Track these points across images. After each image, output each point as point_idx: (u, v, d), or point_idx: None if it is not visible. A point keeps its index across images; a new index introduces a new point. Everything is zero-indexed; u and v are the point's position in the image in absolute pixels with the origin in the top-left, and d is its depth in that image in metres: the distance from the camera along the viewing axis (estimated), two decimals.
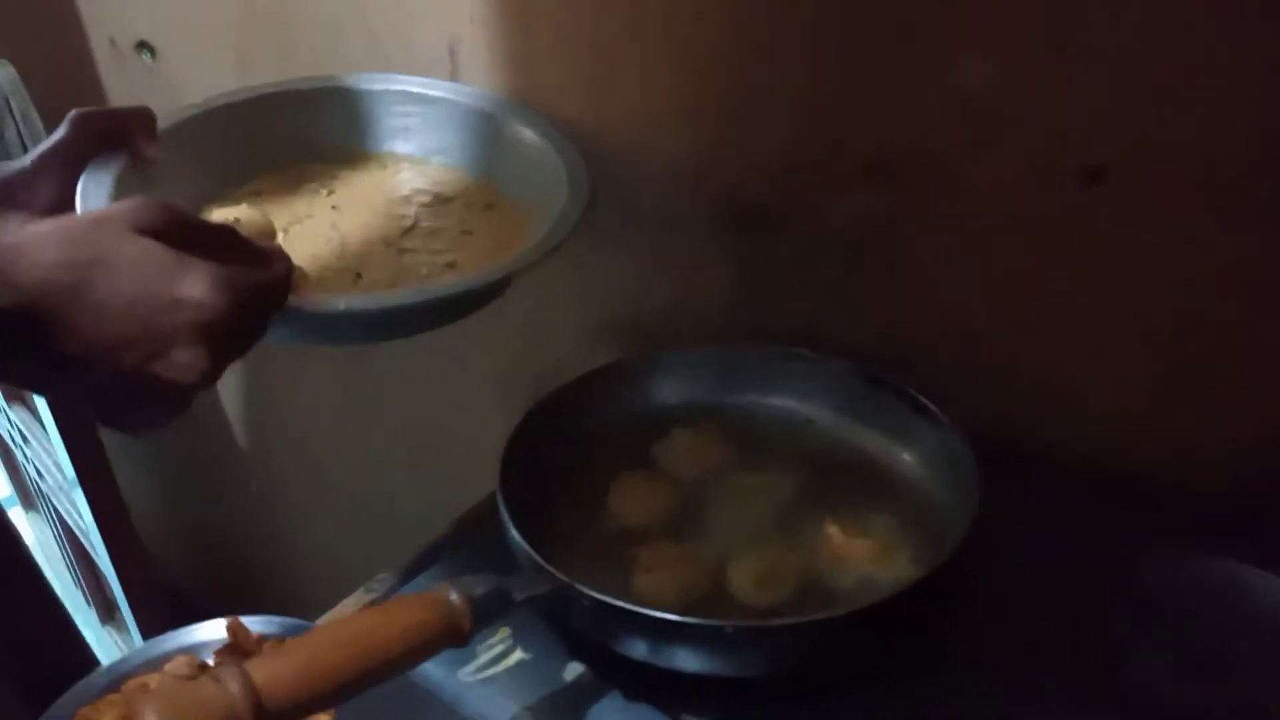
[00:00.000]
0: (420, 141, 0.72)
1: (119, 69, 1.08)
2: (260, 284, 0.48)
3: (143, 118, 0.61)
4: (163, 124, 0.64)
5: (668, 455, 0.61)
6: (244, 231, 0.53)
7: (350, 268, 0.63)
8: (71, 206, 0.56)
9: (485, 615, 0.45)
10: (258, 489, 1.35)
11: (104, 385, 0.44)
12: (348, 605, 0.63)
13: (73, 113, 0.59)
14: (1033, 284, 0.58)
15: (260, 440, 1.29)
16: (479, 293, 0.58)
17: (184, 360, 0.43)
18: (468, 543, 0.65)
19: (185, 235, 0.46)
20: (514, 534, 0.51)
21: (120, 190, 0.58)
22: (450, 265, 0.63)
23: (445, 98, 0.71)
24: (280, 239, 0.65)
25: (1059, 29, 0.52)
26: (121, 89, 1.10)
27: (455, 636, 0.44)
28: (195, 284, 0.43)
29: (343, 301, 0.55)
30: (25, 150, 1.04)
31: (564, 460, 0.60)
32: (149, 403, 0.45)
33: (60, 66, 1.12)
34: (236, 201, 0.66)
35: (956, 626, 0.50)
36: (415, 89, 0.71)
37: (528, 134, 0.68)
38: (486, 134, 0.70)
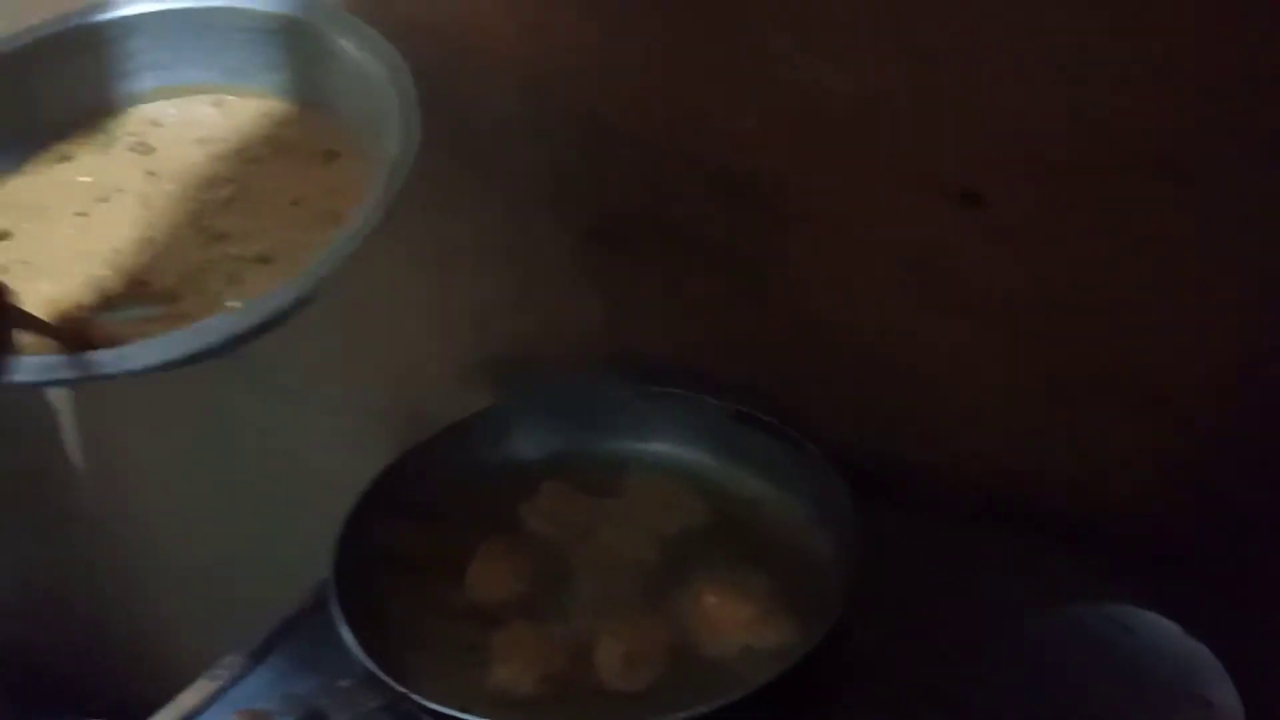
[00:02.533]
0: (250, 69, 0.62)
1: None
2: None
3: None
4: None
5: (534, 517, 0.56)
6: None
7: (138, 274, 0.55)
8: None
9: None
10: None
11: None
12: (188, 697, 0.57)
13: None
14: (905, 303, 0.55)
15: (97, 496, 1.21)
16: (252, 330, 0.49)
17: None
18: (317, 622, 0.59)
19: None
20: (348, 636, 0.45)
21: None
22: (263, 259, 0.55)
23: (264, 10, 0.62)
24: (85, 224, 0.58)
25: (915, 40, 0.49)
26: None
27: None
28: None
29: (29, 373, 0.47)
30: None
31: (417, 532, 0.55)
32: None
33: None
34: (42, 171, 0.59)
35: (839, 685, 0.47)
36: (241, 4, 0.62)
37: (361, 54, 0.58)
38: (320, 56, 0.60)
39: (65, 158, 0.62)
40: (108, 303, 0.53)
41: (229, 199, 0.58)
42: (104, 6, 0.63)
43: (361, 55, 0.57)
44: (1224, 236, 0.46)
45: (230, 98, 0.63)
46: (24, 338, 0.47)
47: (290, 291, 0.48)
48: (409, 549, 0.54)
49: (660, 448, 0.59)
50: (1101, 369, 0.52)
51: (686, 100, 0.58)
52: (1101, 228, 0.49)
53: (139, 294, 0.54)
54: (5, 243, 0.57)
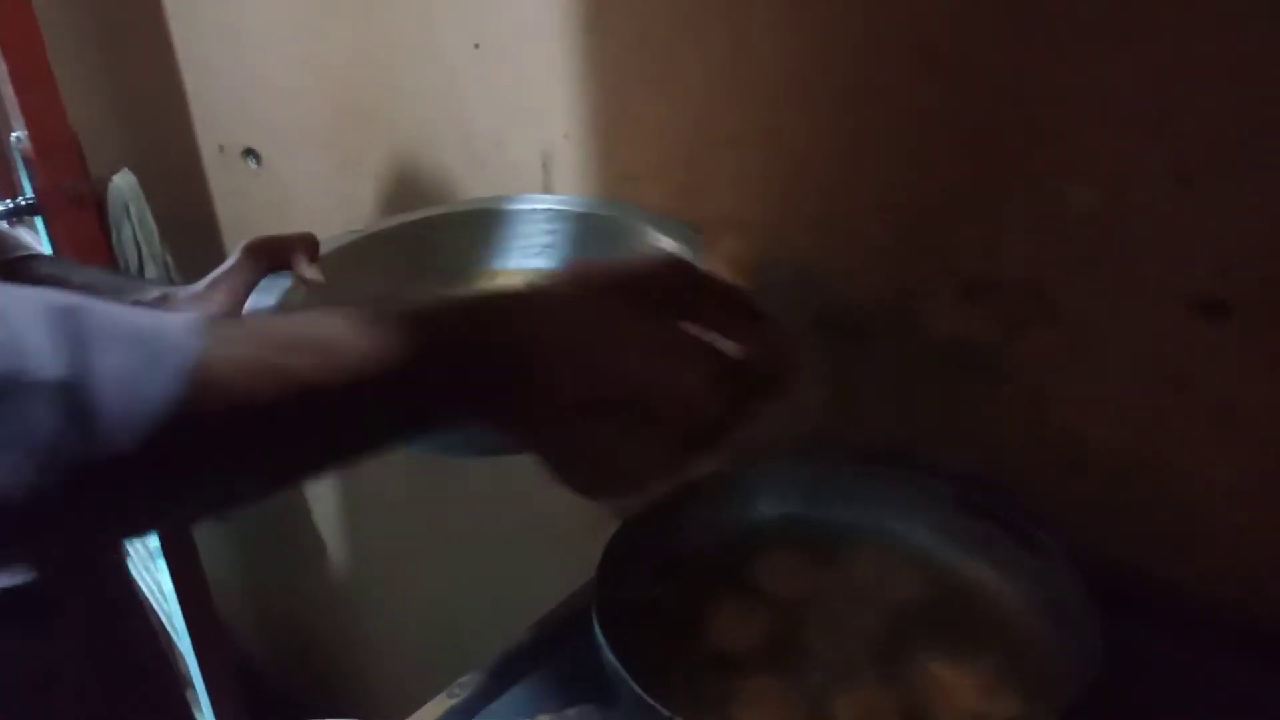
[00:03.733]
0: (563, 255, 0.72)
1: (226, 173, 1.14)
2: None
3: (305, 242, 0.65)
4: (325, 248, 0.67)
5: (768, 577, 0.60)
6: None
7: None
8: None
9: None
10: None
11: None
12: (430, 709, 0.62)
13: (245, 241, 0.64)
14: (1150, 414, 0.56)
15: (344, 527, 1.31)
16: None
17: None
18: (551, 653, 0.64)
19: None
20: (614, 663, 0.50)
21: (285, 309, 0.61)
22: None
23: (588, 212, 0.71)
24: None
25: (1161, 161, 0.51)
26: (229, 192, 1.15)
27: None
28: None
29: None
30: (139, 250, 1.10)
31: (656, 579, 0.60)
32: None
33: (173, 172, 1.18)
34: None
35: None
36: (558, 206, 0.72)
37: (671, 244, 0.64)
38: (624, 244, 0.68)
39: None
40: None
41: None
42: (488, 201, 0.74)
43: (671, 244, 0.64)
44: None
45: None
46: None
47: None
48: (654, 589, 0.59)
49: (887, 523, 0.62)
50: None
51: (926, 200, 0.62)
52: None
53: None
54: None
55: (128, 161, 1.16)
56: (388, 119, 0.94)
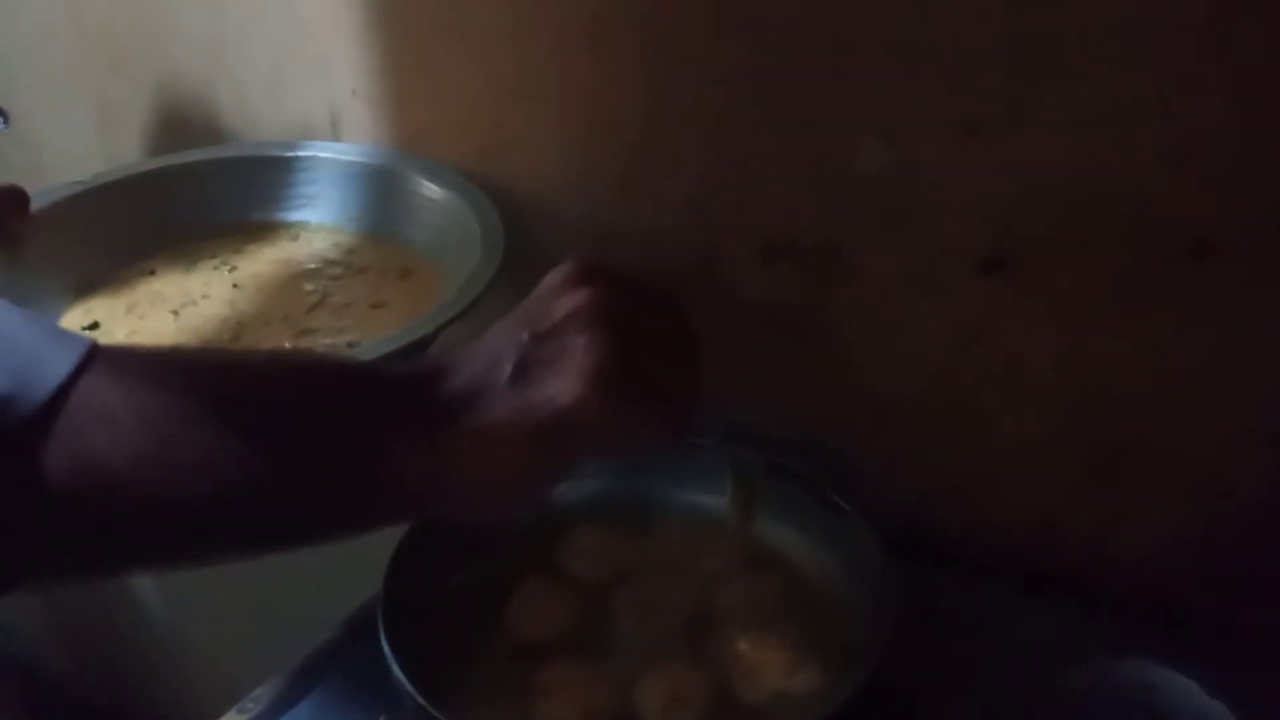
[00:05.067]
0: (329, 207, 0.69)
1: None
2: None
3: (11, 196, 0.59)
4: (41, 201, 0.62)
5: (572, 558, 0.57)
6: None
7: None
8: None
9: None
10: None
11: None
12: None
13: None
14: (943, 370, 0.57)
15: None
16: None
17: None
18: (353, 653, 0.60)
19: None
20: (398, 674, 0.47)
21: None
22: (352, 345, 0.59)
23: (350, 160, 0.69)
24: (172, 321, 0.61)
25: (952, 118, 0.51)
26: None
27: None
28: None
29: None
30: None
31: (456, 567, 0.56)
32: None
33: None
34: (128, 282, 0.63)
35: None
36: (321, 154, 0.69)
37: (438, 190, 0.65)
38: (396, 194, 0.67)
39: (152, 272, 0.67)
40: None
41: (314, 304, 0.63)
42: (236, 148, 0.71)
43: (441, 192, 0.64)
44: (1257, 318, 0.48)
45: (306, 231, 0.69)
46: None
47: (403, 337, 0.53)
48: (450, 585, 0.55)
49: (696, 496, 0.60)
50: (1141, 440, 0.53)
51: (729, 162, 0.61)
52: (1132, 308, 0.51)
53: None
54: (98, 333, 0.61)
55: None
56: (153, 68, 0.85)
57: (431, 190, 0.65)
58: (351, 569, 0.59)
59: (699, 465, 0.61)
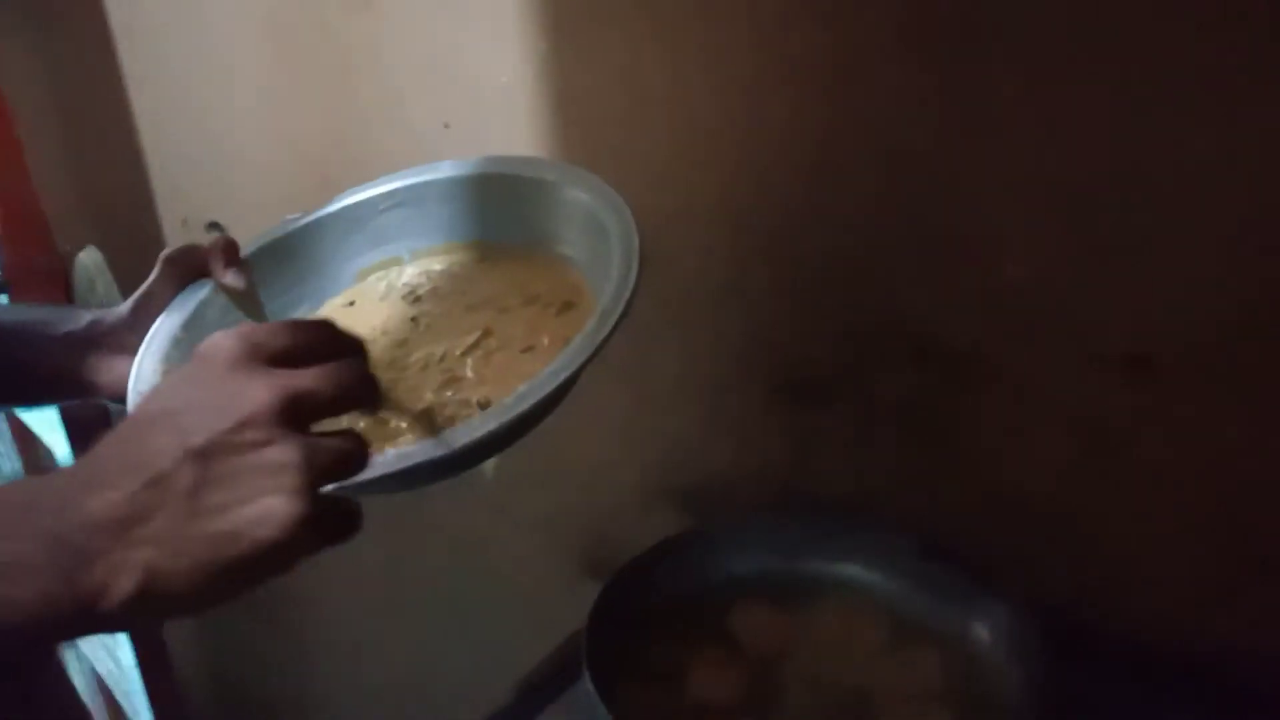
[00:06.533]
0: (519, 230, 0.69)
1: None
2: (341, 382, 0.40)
3: (222, 245, 0.63)
4: (255, 244, 0.65)
5: (744, 631, 0.63)
6: None
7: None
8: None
9: None
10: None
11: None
12: None
13: (161, 254, 0.63)
14: (1079, 469, 0.60)
15: (304, 587, 1.31)
16: (500, 437, 0.52)
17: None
18: (536, 712, 0.66)
19: (260, 352, 0.39)
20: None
21: (191, 327, 0.60)
22: (483, 405, 0.59)
23: (543, 178, 0.67)
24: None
25: (1088, 233, 0.56)
26: None
27: None
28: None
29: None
30: None
31: (639, 634, 0.62)
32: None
33: (137, 247, 1.19)
34: (328, 312, 0.66)
35: None
36: (522, 172, 0.68)
37: (607, 220, 0.61)
38: (581, 225, 0.65)
39: (351, 303, 0.70)
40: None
41: (471, 345, 0.65)
42: (426, 172, 0.71)
43: (595, 207, 0.62)
44: None
45: (492, 253, 0.70)
46: None
47: (496, 419, 0.51)
48: (638, 643, 0.61)
49: (855, 573, 0.66)
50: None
51: (878, 271, 0.66)
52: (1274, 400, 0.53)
53: (381, 430, 0.58)
54: None
55: (93, 238, 1.16)
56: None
57: (588, 206, 0.63)
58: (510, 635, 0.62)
59: (855, 544, 0.66)
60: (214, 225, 1.11)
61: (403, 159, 0.91)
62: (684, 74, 0.71)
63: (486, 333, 0.65)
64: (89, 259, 1.12)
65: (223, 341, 0.39)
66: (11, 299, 1.08)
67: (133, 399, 0.57)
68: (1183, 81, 0.51)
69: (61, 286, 1.10)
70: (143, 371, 0.59)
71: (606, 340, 0.54)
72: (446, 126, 0.86)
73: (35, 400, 0.60)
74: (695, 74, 0.71)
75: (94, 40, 1.15)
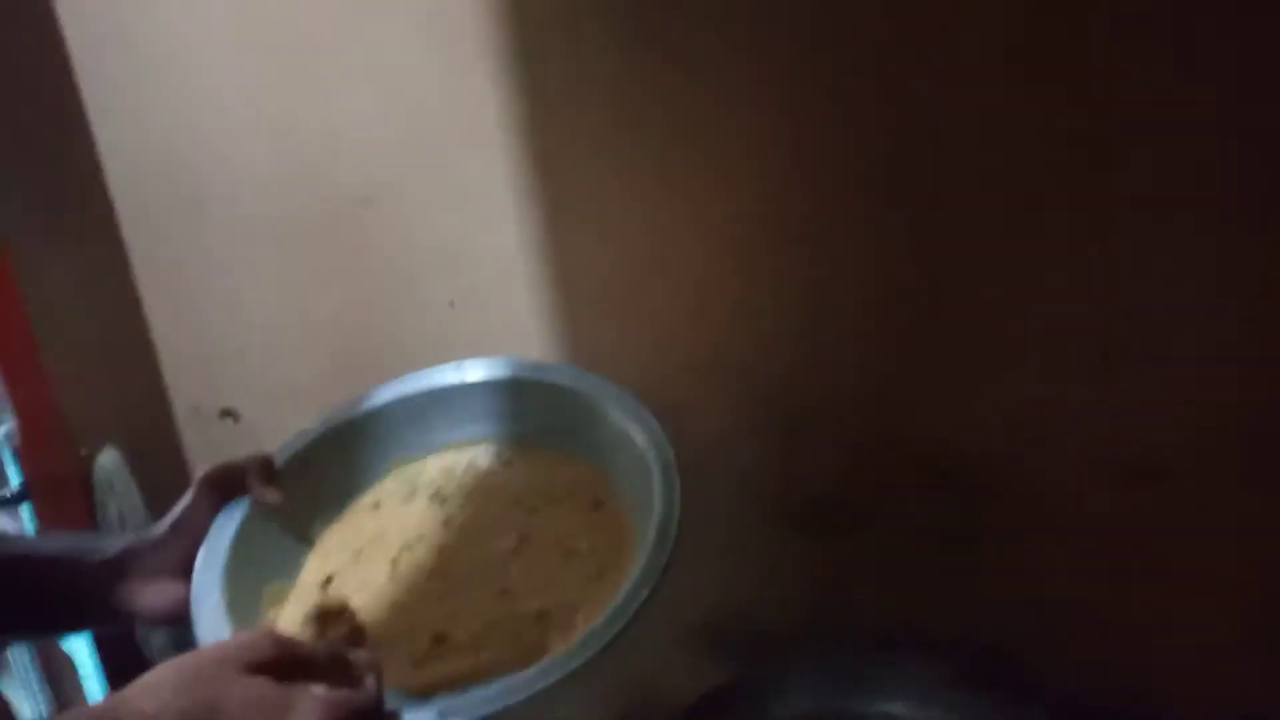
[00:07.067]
0: (529, 425, 0.72)
1: (204, 435, 1.17)
2: (357, 706, 0.50)
3: (260, 464, 0.66)
4: (282, 456, 0.68)
5: None
6: (321, 608, 0.58)
7: (437, 626, 0.62)
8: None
9: None
10: None
11: None
12: None
13: (198, 475, 0.65)
14: (1114, 579, 0.61)
15: None
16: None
17: None
18: None
19: (293, 665, 0.49)
20: None
21: (241, 546, 0.63)
22: (541, 615, 0.62)
23: (551, 382, 0.72)
24: (387, 573, 0.66)
25: (1097, 348, 0.58)
26: (207, 453, 1.17)
27: None
28: (304, 715, 0.47)
29: None
30: (123, 528, 1.11)
31: None
32: None
33: (152, 440, 1.21)
34: (355, 518, 0.68)
35: None
36: (525, 375, 0.73)
37: (631, 426, 0.66)
38: (592, 420, 0.69)
39: (377, 505, 0.72)
40: (414, 659, 0.60)
41: (512, 550, 0.66)
42: (441, 375, 0.75)
43: (625, 421, 0.67)
44: None
45: (508, 449, 0.73)
46: None
47: (584, 651, 0.55)
48: None
49: (898, 708, 0.65)
50: None
51: (886, 396, 0.67)
52: None
53: (441, 649, 0.61)
54: (330, 586, 0.66)
55: (109, 434, 1.18)
56: (370, 369, 0.98)
57: (621, 419, 0.67)
58: None
59: (895, 678, 0.66)
60: (227, 413, 1.13)
61: (410, 338, 0.95)
62: (676, 239, 0.75)
63: (523, 538, 0.67)
64: (107, 460, 1.14)
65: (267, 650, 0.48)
66: (34, 507, 1.09)
67: (204, 641, 0.59)
68: (1169, 198, 0.53)
69: (80, 491, 1.11)
70: (204, 613, 0.60)
71: (669, 563, 0.59)
72: (452, 305, 0.90)
73: (69, 629, 0.62)
74: (686, 238, 0.75)
75: (106, 242, 1.19)
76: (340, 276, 0.99)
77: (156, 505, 1.20)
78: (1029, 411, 0.61)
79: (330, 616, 0.62)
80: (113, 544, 0.65)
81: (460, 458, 0.73)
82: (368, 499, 0.72)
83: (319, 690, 0.48)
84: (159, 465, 1.18)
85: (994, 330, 0.62)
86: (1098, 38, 0.53)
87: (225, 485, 0.65)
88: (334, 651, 0.53)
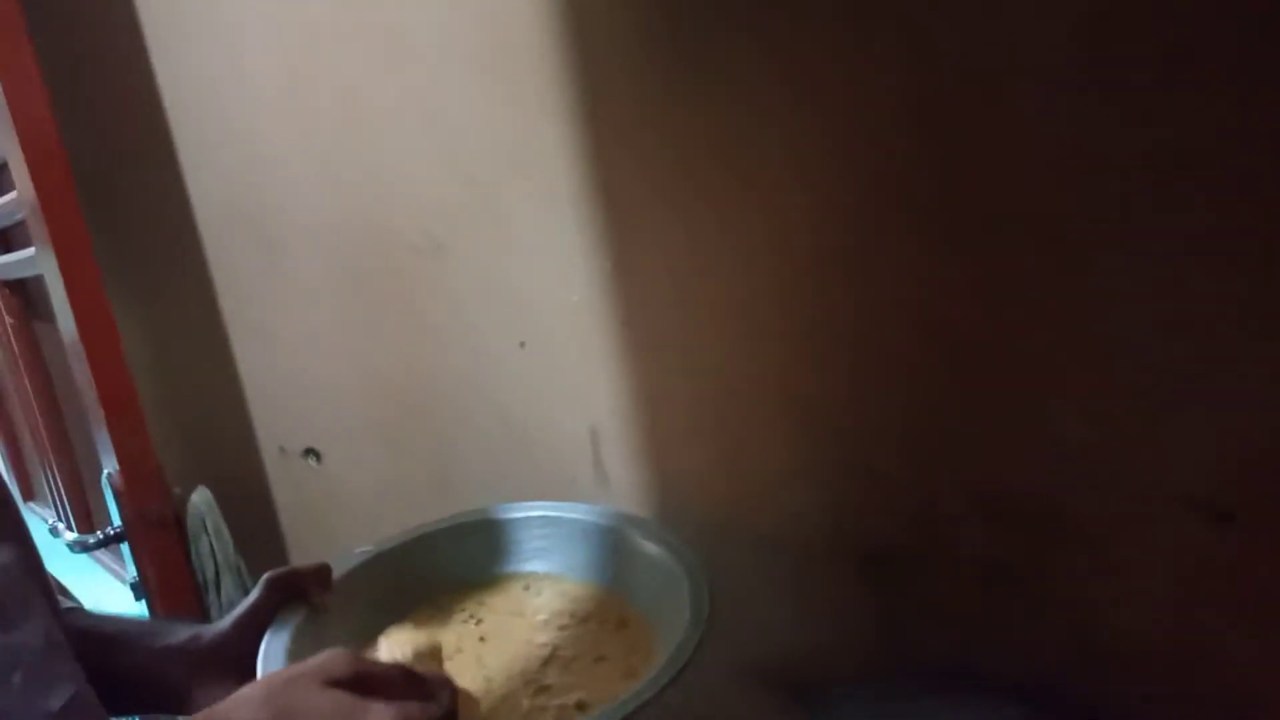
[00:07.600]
0: (557, 559, 0.80)
1: (289, 474, 1.21)
2: (432, 716, 0.54)
3: (319, 573, 0.72)
4: (337, 571, 0.74)
5: None
6: (415, 649, 0.61)
7: (483, 717, 0.66)
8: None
9: None
10: None
11: None
12: None
13: (264, 576, 0.70)
14: (1180, 617, 0.60)
15: None
16: None
17: None
18: None
19: (368, 680, 0.53)
20: None
21: (296, 642, 0.67)
22: (580, 706, 0.66)
23: (576, 518, 0.80)
24: None
25: (1149, 385, 0.58)
26: (291, 491, 1.22)
27: None
28: None
29: None
30: (215, 562, 1.16)
31: None
32: None
33: (241, 480, 1.26)
34: (399, 630, 0.72)
35: None
36: (551, 513, 0.81)
37: (651, 547, 0.74)
38: (614, 549, 0.77)
39: (416, 625, 0.77)
40: None
41: (546, 659, 0.72)
42: (486, 511, 0.82)
43: (657, 550, 0.73)
44: None
45: (537, 581, 0.81)
46: None
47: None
48: None
49: None
50: None
51: (946, 440, 0.68)
52: None
53: None
54: None
55: (202, 475, 1.23)
56: (436, 411, 1.02)
57: (648, 548, 0.74)
58: None
59: (952, 717, 0.65)
60: (309, 452, 1.18)
61: (479, 380, 0.98)
62: (731, 276, 0.77)
63: (556, 648, 0.73)
64: (200, 499, 1.19)
65: (344, 666, 0.54)
66: (131, 546, 1.14)
67: None
68: (1230, 233, 0.53)
69: (175, 530, 1.16)
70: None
71: (702, 642, 0.63)
72: (522, 345, 0.92)
73: (125, 710, 0.67)
74: (740, 276, 0.77)
75: (199, 293, 1.26)
76: (405, 321, 1.03)
77: (245, 541, 1.27)
78: (1086, 448, 0.61)
79: (422, 656, 0.65)
80: (179, 632, 0.70)
81: (492, 589, 0.80)
82: (407, 621, 0.77)
83: (392, 703, 0.51)
84: (248, 503, 1.23)
85: (1049, 364, 0.62)
86: (1155, 71, 0.53)
87: (285, 588, 0.71)
88: (407, 669, 0.56)
